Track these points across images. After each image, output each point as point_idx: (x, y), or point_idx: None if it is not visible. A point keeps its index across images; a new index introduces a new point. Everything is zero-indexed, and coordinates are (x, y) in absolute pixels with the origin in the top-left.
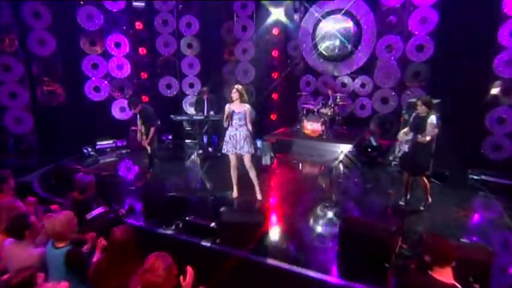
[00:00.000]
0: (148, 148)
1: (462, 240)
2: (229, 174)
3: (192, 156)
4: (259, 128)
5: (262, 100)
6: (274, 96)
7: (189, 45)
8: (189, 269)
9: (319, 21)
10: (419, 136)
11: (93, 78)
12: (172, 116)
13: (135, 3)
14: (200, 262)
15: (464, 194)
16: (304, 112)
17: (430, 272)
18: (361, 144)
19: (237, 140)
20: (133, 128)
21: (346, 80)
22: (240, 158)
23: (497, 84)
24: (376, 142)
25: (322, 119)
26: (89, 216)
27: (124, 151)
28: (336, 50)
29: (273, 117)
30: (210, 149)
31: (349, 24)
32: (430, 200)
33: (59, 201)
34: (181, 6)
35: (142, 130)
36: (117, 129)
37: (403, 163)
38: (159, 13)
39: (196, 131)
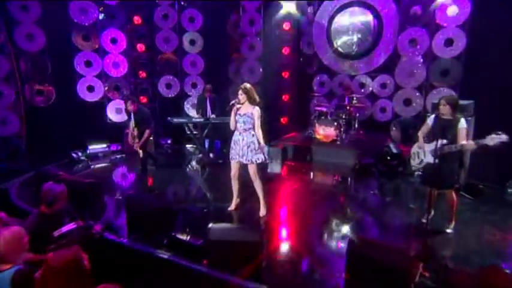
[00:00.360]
0: (141, 152)
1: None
2: (231, 184)
3: (193, 163)
4: (268, 133)
5: (271, 102)
6: (285, 97)
7: (192, 42)
8: None
9: (335, 14)
10: (455, 145)
11: (87, 77)
12: (169, 118)
13: None
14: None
15: (502, 212)
16: (316, 115)
17: None
18: (380, 152)
19: (240, 147)
20: (126, 131)
21: (365, 79)
22: (242, 167)
23: None
24: (396, 149)
25: (336, 123)
26: (57, 233)
27: (118, 156)
28: (354, 47)
29: (283, 120)
30: (211, 154)
31: (369, 17)
32: (454, 220)
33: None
34: None
35: (135, 133)
36: (111, 133)
37: (427, 176)
38: (159, 6)
39: (197, 134)
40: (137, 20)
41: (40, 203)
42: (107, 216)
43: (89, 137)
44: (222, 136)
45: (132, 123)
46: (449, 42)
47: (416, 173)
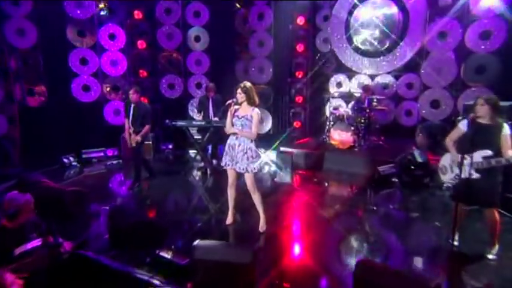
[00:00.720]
0: (133, 142)
1: None
2: None
3: (195, 170)
4: (279, 138)
5: (283, 104)
6: (298, 99)
7: (197, 38)
8: None
9: (354, 7)
10: (505, 159)
11: (82, 76)
12: (167, 121)
13: None
14: None
15: None
16: (332, 119)
17: None
18: (403, 160)
19: (235, 152)
20: (123, 135)
21: (388, 79)
22: (240, 175)
23: None
24: (422, 158)
25: (353, 128)
26: (19, 250)
27: (114, 162)
28: (376, 43)
29: (296, 124)
30: (214, 161)
31: (393, 9)
32: (496, 244)
33: None
34: None
35: (131, 130)
36: (108, 136)
37: (460, 190)
38: (162, 0)
39: (198, 139)
40: (138, 14)
41: (1, 215)
42: (89, 229)
43: (83, 140)
44: (226, 141)
45: (129, 121)
46: (485, 35)
47: (445, 185)
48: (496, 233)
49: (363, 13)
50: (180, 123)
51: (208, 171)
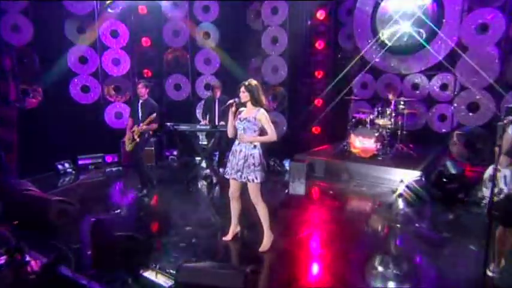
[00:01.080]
0: (136, 136)
1: None
2: None
3: (201, 180)
4: (295, 145)
5: (300, 108)
6: (317, 102)
7: (206, 35)
8: None
9: None
10: None
11: (81, 76)
12: (169, 124)
13: None
14: None
15: None
16: (353, 123)
17: None
18: (434, 172)
19: (236, 160)
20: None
21: (419, 79)
22: (243, 185)
23: None
24: (455, 169)
25: (377, 134)
26: None
27: (114, 169)
28: (405, 38)
29: (315, 130)
30: (221, 169)
31: (425, 0)
32: None
33: None
34: None
35: (135, 128)
36: (108, 141)
37: (503, 209)
38: None
39: (204, 145)
40: (142, 9)
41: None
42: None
43: (81, 145)
44: None
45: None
46: None
47: (483, 201)
48: None
49: (391, 5)
50: (183, 127)
51: (214, 181)
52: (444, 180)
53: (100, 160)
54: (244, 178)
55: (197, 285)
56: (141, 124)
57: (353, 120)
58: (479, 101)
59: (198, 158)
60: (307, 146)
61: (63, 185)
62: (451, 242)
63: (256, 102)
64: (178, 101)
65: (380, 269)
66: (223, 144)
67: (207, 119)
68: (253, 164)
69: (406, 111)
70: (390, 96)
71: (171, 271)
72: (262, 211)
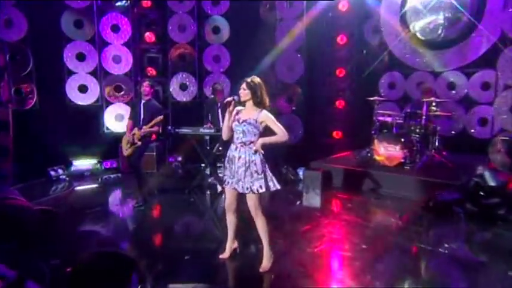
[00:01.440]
0: (136, 140)
1: None
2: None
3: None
4: (313, 151)
5: (318, 110)
6: (339, 104)
7: (215, 30)
8: None
9: None
10: None
11: (79, 74)
12: (169, 127)
13: None
14: None
15: None
16: (377, 127)
17: None
18: (469, 184)
19: (235, 167)
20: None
21: (455, 77)
22: (241, 196)
23: None
24: (495, 181)
25: (404, 139)
26: None
27: (112, 176)
28: (440, 31)
29: (336, 135)
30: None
31: None
32: None
33: None
34: None
35: (135, 131)
36: (107, 146)
37: None
38: None
39: (207, 150)
40: (146, 2)
41: None
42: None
43: (77, 150)
44: None
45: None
46: None
47: None
48: None
49: None
50: (185, 130)
51: (219, 190)
52: (481, 193)
53: (97, 166)
54: (247, 189)
55: None
56: (144, 127)
57: (377, 123)
58: None
59: (203, 165)
60: (326, 153)
61: (55, 192)
62: (488, 267)
63: (258, 103)
64: (184, 102)
65: None
66: (227, 149)
67: (210, 122)
68: (256, 172)
69: (439, 114)
70: (422, 97)
71: None
72: (261, 225)
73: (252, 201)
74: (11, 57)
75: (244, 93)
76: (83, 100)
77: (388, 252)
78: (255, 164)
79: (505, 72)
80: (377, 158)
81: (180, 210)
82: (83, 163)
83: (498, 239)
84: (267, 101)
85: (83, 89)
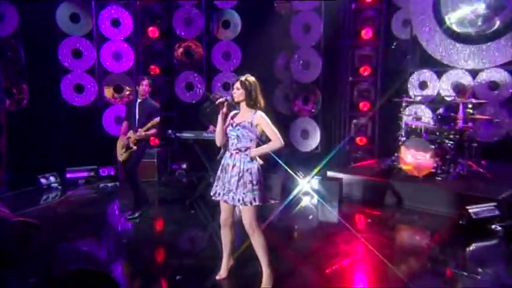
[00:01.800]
0: (132, 144)
1: None
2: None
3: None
4: (332, 159)
5: (340, 113)
6: (363, 106)
7: (225, 24)
8: None
9: None
10: None
11: (75, 72)
12: (170, 131)
13: None
14: None
15: None
16: (404, 133)
17: None
18: (510, 199)
19: (228, 176)
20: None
21: (498, 75)
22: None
23: None
24: None
25: (435, 146)
26: None
27: (109, 184)
28: (479, 23)
29: (360, 141)
30: None
31: None
32: None
33: None
34: None
35: (130, 134)
36: (104, 151)
37: None
38: None
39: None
40: None
41: None
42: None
43: (71, 155)
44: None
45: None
46: None
47: None
48: None
49: None
50: (186, 135)
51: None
52: None
53: (93, 173)
54: (239, 200)
55: None
56: (140, 129)
57: (405, 128)
58: None
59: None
60: (348, 161)
61: (46, 202)
62: None
63: (253, 103)
64: (190, 103)
65: None
66: None
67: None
68: (251, 182)
69: (478, 118)
70: (458, 98)
71: None
72: (258, 243)
73: (246, 215)
74: (1, 54)
75: (238, 93)
76: (79, 101)
77: (415, 277)
78: (251, 173)
79: None
80: (404, 167)
81: (178, 224)
82: (78, 170)
83: None
84: (261, 101)
85: (79, 88)
